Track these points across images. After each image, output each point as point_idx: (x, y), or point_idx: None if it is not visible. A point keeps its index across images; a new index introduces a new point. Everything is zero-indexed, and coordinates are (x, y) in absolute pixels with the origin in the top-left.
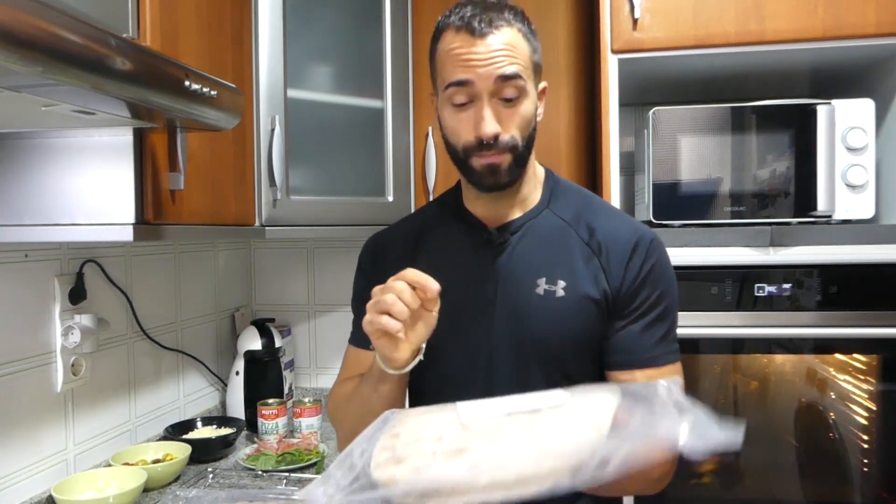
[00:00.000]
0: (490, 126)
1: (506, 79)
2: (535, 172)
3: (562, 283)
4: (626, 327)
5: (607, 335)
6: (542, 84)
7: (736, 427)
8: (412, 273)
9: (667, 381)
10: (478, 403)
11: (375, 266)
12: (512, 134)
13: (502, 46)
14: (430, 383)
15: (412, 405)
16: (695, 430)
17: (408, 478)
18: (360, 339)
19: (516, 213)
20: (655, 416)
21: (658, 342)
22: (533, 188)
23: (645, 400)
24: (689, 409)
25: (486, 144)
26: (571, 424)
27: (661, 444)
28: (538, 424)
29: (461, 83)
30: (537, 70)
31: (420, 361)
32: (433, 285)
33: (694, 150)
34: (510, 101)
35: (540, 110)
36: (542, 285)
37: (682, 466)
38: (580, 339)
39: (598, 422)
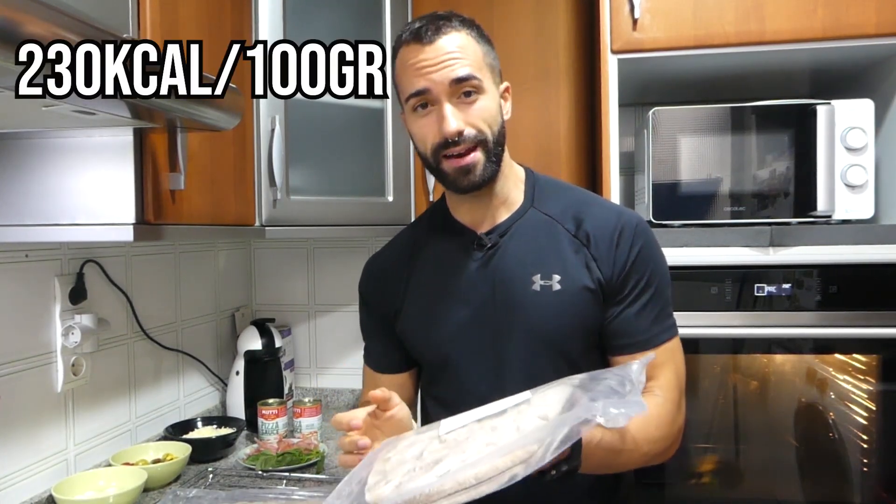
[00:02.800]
0: (452, 124)
1: (460, 81)
2: (514, 172)
3: (557, 277)
4: (621, 312)
5: (605, 321)
6: (504, 84)
7: (640, 402)
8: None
9: (641, 360)
10: (458, 416)
11: (376, 294)
12: (478, 128)
13: (452, 48)
14: (446, 391)
15: (432, 413)
16: (606, 407)
17: (390, 494)
18: (371, 361)
19: (502, 216)
20: (590, 401)
21: (653, 322)
22: (513, 187)
23: (603, 382)
24: (633, 385)
25: (453, 142)
26: (524, 420)
27: (584, 424)
28: (499, 427)
29: (419, 93)
30: (494, 70)
31: (436, 369)
32: (355, 421)
33: (694, 150)
34: (469, 96)
35: (506, 108)
36: (537, 281)
37: (683, 466)
38: (582, 328)
39: (546, 412)
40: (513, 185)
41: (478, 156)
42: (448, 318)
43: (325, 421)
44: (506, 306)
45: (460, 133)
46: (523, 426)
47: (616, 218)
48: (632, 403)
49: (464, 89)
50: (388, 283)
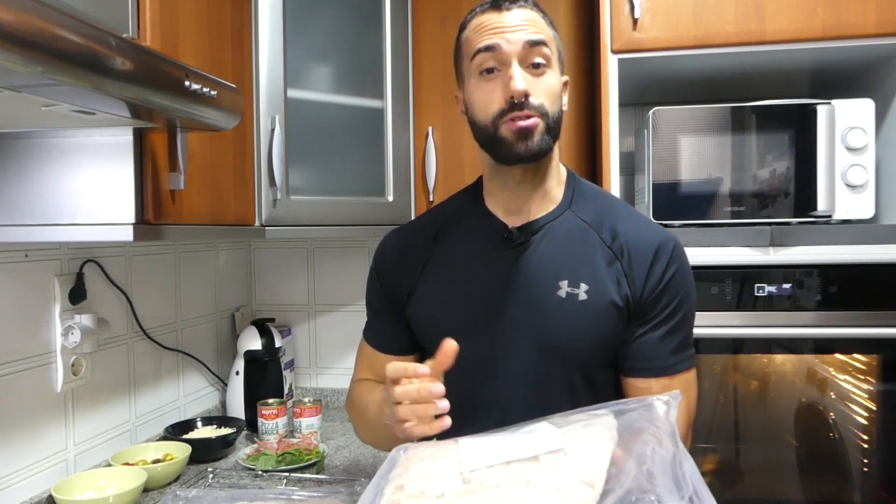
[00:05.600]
0: (520, 83)
1: (533, 44)
2: (559, 170)
3: (584, 287)
4: (645, 335)
5: (625, 340)
6: (565, 77)
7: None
8: (407, 370)
9: (666, 397)
10: (479, 446)
11: (391, 269)
12: (542, 101)
13: (528, 17)
14: (449, 384)
15: None
16: None
17: None
18: (374, 338)
19: (538, 212)
20: (643, 477)
21: (675, 350)
22: (555, 185)
23: (642, 439)
24: (677, 449)
25: (518, 105)
26: (565, 482)
27: None
28: (535, 481)
29: (489, 48)
30: (560, 57)
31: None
32: (423, 370)
33: (694, 150)
34: (537, 69)
35: (565, 100)
36: (563, 287)
37: None
38: (601, 342)
39: (591, 478)
40: (555, 183)
41: (538, 121)
42: (463, 308)
43: (325, 421)
44: (526, 308)
45: (527, 95)
46: (565, 489)
47: (655, 236)
48: None
49: (535, 57)
50: (407, 260)
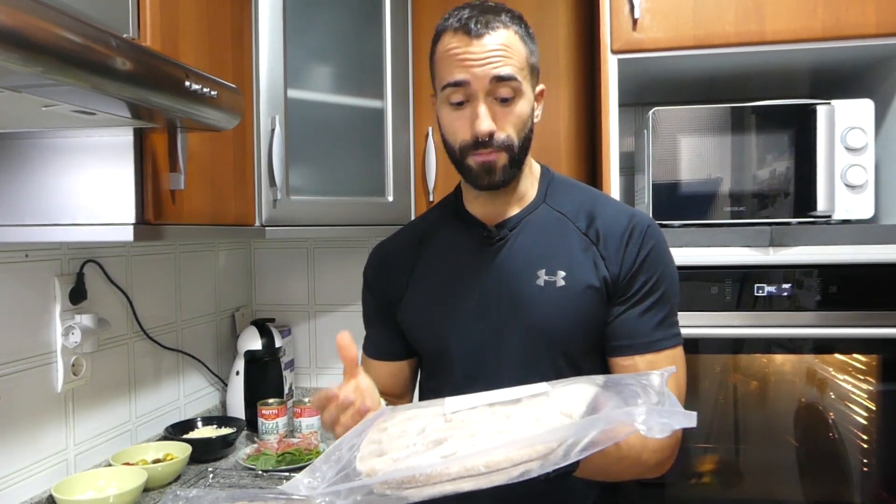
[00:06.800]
0: (485, 124)
1: (501, 79)
2: (532, 170)
3: (561, 274)
4: (624, 312)
5: (608, 322)
6: (540, 87)
7: (688, 414)
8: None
9: (662, 371)
10: (464, 397)
11: (379, 279)
12: (507, 133)
13: (498, 47)
14: (444, 384)
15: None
16: (651, 414)
17: (386, 468)
18: (370, 350)
19: (514, 211)
20: (623, 404)
21: (657, 326)
22: (530, 185)
23: (628, 387)
24: (662, 396)
25: (482, 143)
26: (544, 414)
27: (620, 429)
28: (514, 415)
29: (458, 83)
30: (534, 72)
31: (435, 360)
32: (333, 393)
33: (694, 150)
34: (505, 101)
35: (538, 112)
36: (541, 276)
37: (683, 466)
38: (583, 327)
39: (570, 410)
40: (529, 183)
41: (501, 156)
42: (451, 309)
43: None
44: (508, 300)
45: (491, 135)
46: (543, 419)
47: (628, 218)
48: (677, 414)
49: (502, 90)
50: (394, 269)
